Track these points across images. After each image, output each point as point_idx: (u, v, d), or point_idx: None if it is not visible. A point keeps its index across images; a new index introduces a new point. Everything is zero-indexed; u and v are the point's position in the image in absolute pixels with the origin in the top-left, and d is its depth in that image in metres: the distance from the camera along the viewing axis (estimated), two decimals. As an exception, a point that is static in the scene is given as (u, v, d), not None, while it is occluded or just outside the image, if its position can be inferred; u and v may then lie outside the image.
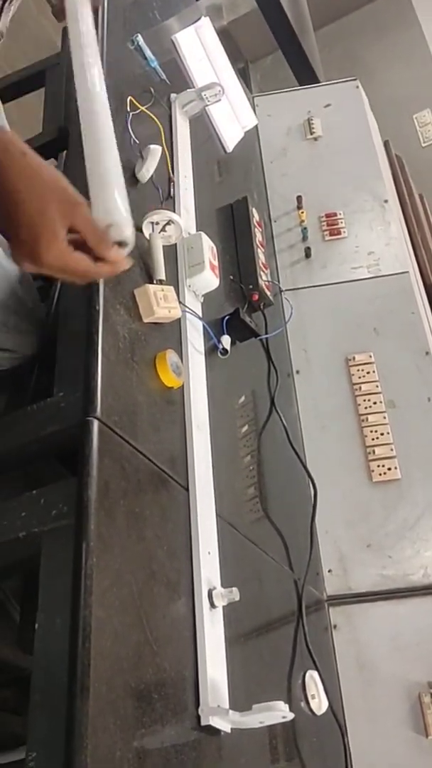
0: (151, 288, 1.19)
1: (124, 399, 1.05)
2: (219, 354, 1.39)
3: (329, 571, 1.57)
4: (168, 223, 1.29)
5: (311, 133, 2.21)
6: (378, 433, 1.69)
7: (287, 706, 0.94)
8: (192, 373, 1.26)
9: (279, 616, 1.38)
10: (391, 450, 1.67)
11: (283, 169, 2.18)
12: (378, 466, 1.65)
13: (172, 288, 1.23)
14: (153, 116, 1.47)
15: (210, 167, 1.84)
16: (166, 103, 1.64)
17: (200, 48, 1.94)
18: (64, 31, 1.72)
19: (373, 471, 1.65)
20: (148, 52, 1.59)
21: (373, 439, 1.69)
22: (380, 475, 1.64)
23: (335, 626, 1.53)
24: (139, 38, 1.56)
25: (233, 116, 2.00)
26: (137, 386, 1.10)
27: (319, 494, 1.59)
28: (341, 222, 2.02)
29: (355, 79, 2.33)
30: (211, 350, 1.40)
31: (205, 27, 2.01)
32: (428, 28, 4.23)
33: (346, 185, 2.10)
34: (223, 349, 1.39)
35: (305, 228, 2.01)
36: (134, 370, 1.11)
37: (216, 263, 1.40)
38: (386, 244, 1.98)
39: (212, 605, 1.05)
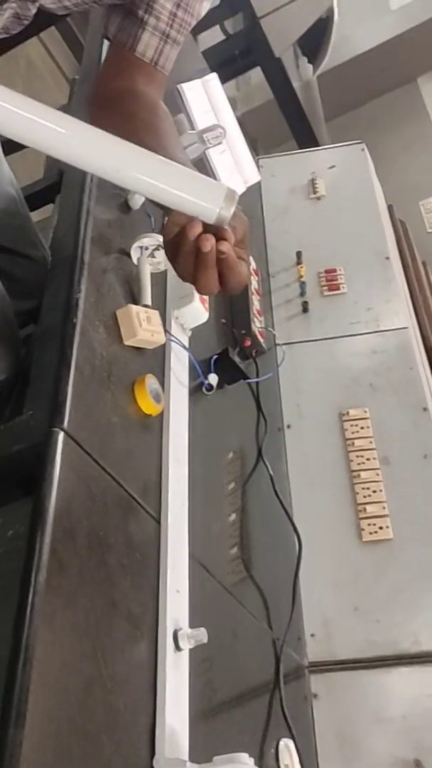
0: (134, 309, 1.16)
1: (95, 417, 1.00)
2: (204, 390, 1.35)
3: (312, 635, 1.47)
4: (157, 248, 1.27)
5: (314, 193, 2.23)
6: (370, 491, 1.63)
7: (252, 759, 0.85)
8: (173, 403, 1.21)
9: (254, 674, 1.29)
10: (384, 508, 1.60)
11: (284, 227, 2.19)
12: (369, 524, 1.58)
13: (157, 312, 1.20)
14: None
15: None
16: (166, 145, 1.65)
17: (206, 100, 1.98)
18: (74, 81, 1.77)
19: (363, 530, 1.58)
20: (152, 94, 1.61)
21: (365, 497, 1.62)
22: (371, 534, 1.57)
23: (315, 695, 1.43)
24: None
25: (235, 169, 2.02)
26: (111, 407, 1.05)
27: (305, 552, 1.52)
28: (341, 278, 2.01)
29: (360, 142, 2.37)
30: (197, 388, 1.36)
31: (213, 82, 2.05)
32: None
33: (347, 242, 2.10)
34: (209, 384, 1.35)
35: (303, 283, 2.00)
36: (110, 390, 1.06)
37: (206, 297, 1.38)
38: (386, 301, 1.96)
39: (177, 647, 0.97)
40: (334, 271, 2.03)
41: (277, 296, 2.03)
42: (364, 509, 1.60)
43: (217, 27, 3.39)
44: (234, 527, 1.36)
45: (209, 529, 1.25)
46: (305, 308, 1.97)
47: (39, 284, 1.22)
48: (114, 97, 1.04)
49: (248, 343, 1.64)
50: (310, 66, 3.80)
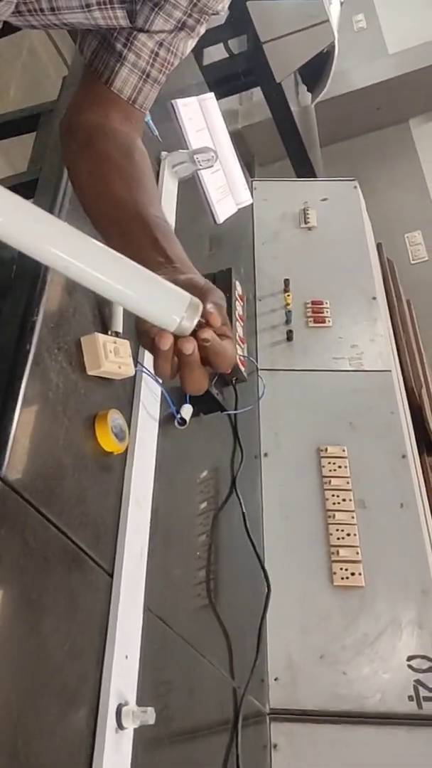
0: (101, 338, 0.98)
1: (43, 458, 0.83)
2: (176, 424, 1.17)
3: (276, 679, 1.30)
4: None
5: (306, 222, 2.07)
6: (344, 533, 1.46)
7: None
8: (140, 440, 1.04)
9: (209, 731, 1.11)
10: (357, 554, 1.43)
11: (273, 252, 2.03)
12: (341, 569, 1.41)
13: (127, 342, 1.03)
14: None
15: (202, 239, 1.69)
16: (155, 160, 1.48)
17: (201, 118, 1.82)
18: (64, 81, 1.60)
19: (335, 573, 1.41)
20: (143, 108, 1.44)
21: (338, 539, 1.45)
22: (342, 579, 1.40)
23: (275, 746, 1.25)
24: (135, 92, 1.41)
25: (228, 190, 1.85)
26: (65, 445, 0.88)
27: (273, 592, 1.35)
28: (327, 311, 1.85)
29: (353, 180, 2.22)
30: (168, 419, 1.18)
31: (210, 101, 1.89)
32: (425, 159, 4.37)
33: (335, 276, 1.94)
34: (181, 418, 1.17)
35: (289, 311, 1.84)
36: (64, 426, 0.89)
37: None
38: (371, 340, 1.80)
39: (120, 726, 0.80)
40: (321, 303, 1.86)
41: (263, 321, 1.86)
42: (337, 552, 1.43)
43: (221, 45, 3.25)
44: (201, 568, 1.19)
45: (172, 573, 1.08)
46: (290, 337, 1.80)
47: (4, 288, 1.04)
48: (87, 133, 0.88)
49: (229, 371, 1.46)
50: (309, 94, 3.69)
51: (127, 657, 0.85)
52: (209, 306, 0.66)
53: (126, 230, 0.79)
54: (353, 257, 1.98)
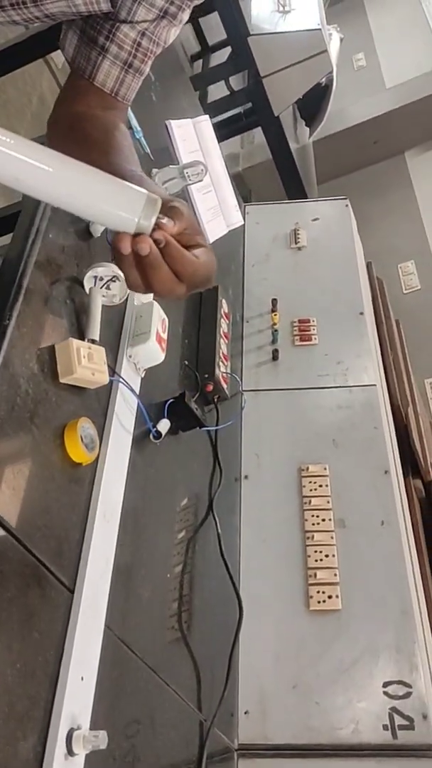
0: (75, 343, 0.94)
1: (6, 465, 0.78)
2: (151, 437, 1.12)
3: (246, 712, 1.23)
4: (113, 280, 1.05)
5: (296, 242, 2.03)
6: (322, 555, 1.40)
7: None
8: (111, 452, 0.98)
9: (173, 761, 1.04)
10: (335, 575, 1.37)
11: (263, 273, 1.99)
12: (318, 592, 1.35)
13: (102, 350, 0.98)
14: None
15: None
16: (146, 176, 1.45)
17: (195, 140, 1.79)
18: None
19: (311, 597, 1.35)
20: (134, 122, 1.41)
21: (316, 561, 1.39)
22: (319, 603, 1.34)
23: (243, 783, 1.18)
24: (127, 106, 1.38)
25: (219, 212, 1.82)
26: (31, 454, 0.83)
27: (248, 619, 1.29)
28: (313, 329, 1.80)
29: (345, 198, 2.19)
30: (144, 433, 1.13)
31: (204, 123, 1.86)
32: (420, 192, 4.39)
33: (323, 294, 1.90)
34: (156, 432, 1.12)
35: (276, 330, 1.79)
36: (31, 433, 0.84)
37: (164, 337, 1.16)
38: (357, 356, 1.75)
39: (70, 752, 0.73)
40: (308, 321, 1.82)
41: (249, 342, 1.81)
42: (315, 574, 1.37)
43: (222, 83, 3.26)
44: (171, 591, 1.12)
45: (139, 594, 1.02)
46: (275, 356, 1.75)
47: None
48: (69, 121, 0.86)
49: (210, 388, 1.42)
50: (307, 130, 3.69)
51: (83, 678, 0.79)
52: (172, 204, 0.63)
53: None
54: (342, 274, 1.94)
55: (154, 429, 1.11)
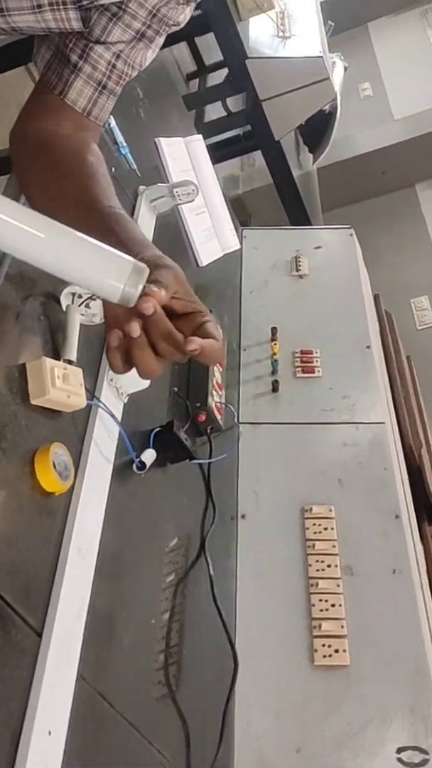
0: (49, 363, 0.92)
1: (-35, 491, 0.75)
2: (134, 468, 1.09)
3: (242, 781, 1.17)
4: (92, 298, 1.04)
5: (297, 270, 2.04)
6: (328, 604, 1.35)
7: None
8: (88, 480, 0.96)
9: None
10: (342, 627, 1.32)
11: (261, 300, 1.98)
12: (323, 645, 1.30)
13: (79, 371, 0.97)
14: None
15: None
16: (132, 195, 1.46)
17: (187, 159, 1.80)
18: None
19: (316, 651, 1.30)
20: (120, 137, 1.42)
21: (321, 610, 1.34)
22: (324, 657, 1.28)
23: None
24: (112, 120, 1.40)
25: (213, 234, 1.82)
26: (-5, 480, 0.80)
27: (245, 674, 1.24)
28: (317, 360, 1.79)
29: (349, 227, 2.20)
30: (127, 465, 1.10)
31: (197, 143, 1.88)
32: None
33: (327, 325, 1.89)
34: (140, 462, 1.09)
35: (276, 361, 1.77)
36: (-4, 458, 0.81)
37: (150, 360, 1.14)
38: (364, 391, 1.73)
39: None
40: (311, 352, 1.80)
41: (246, 371, 1.79)
42: (320, 626, 1.32)
43: (219, 103, 3.32)
44: (156, 638, 1.08)
45: (119, 640, 0.98)
46: (275, 388, 1.73)
47: None
48: (38, 141, 0.86)
49: (202, 418, 1.40)
50: (311, 156, 3.75)
51: (50, 733, 0.75)
52: (160, 272, 0.63)
53: (80, 227, 0.76)
54: (347, 305, 1.94)
55: (138, 459, 1.09)
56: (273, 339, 1.83)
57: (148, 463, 1.11)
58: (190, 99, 3.00)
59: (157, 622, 1.09)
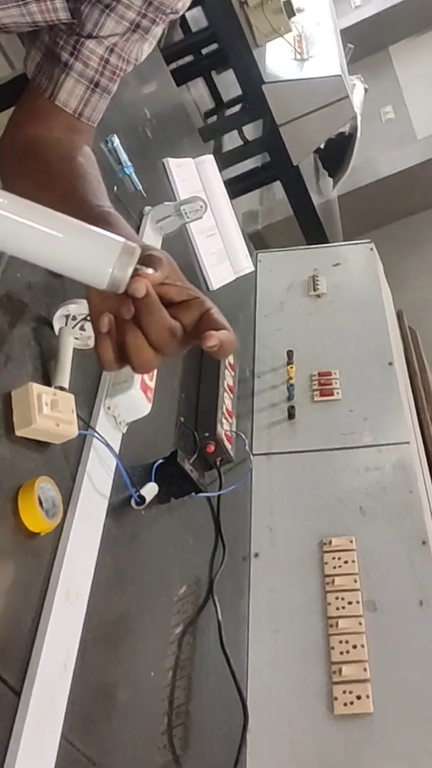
0: (36, 388, 0.85)
1: None
2: (133, 503, 1.02)
3: None
4: (87, 319, 0.98)
5: (314, 290, 1.96)
6: (349, 645, 1.25)
7: None
8: (79, 519, 0.88)
9: None
10: (365, 671, 1.22)
11: (277, 323, 1.91)
12: (344, 692, 1.20)
13: (71, 397, 0.90)
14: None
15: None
16: (137, 215, 1.40)
17: (197, 181, 1.75)
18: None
19: (336, 698, 1.20)
20: (124, 157, 1.37)
21: (341, 653, 1.25)
22: (345, 705, 1.19)
23: None
24: (115, 138, 1.35)
25: (225, 256, 1.76)
26: (-30, 519, 0.73)
27: (257, 725, 1.15)
28: (336, 382, 1.70)
29: (369, 242, 2.13)
30: (124, 502, 1.03)
31: (208, 164, 1.83)
32: None
33: (346, 344, 1.81)
34: (139, 496, 1.02)
35: (292, 386, 1.69)
36: (-27, 495, 0.74)
37: (151, 385, 1.07)
38: (386, 410, 1.64)
39: None
40: (329, 374, 1.72)
41: (261, 399, 1.72)
42: (340, 671, 1.22)
43: (235, 132, 3.30)
44: (155, 690, 0.99)
45: (113, 695, 0.89)
46: (291, 414, 1.65)
47: None
48: (26, 146, 0.82)
49: (211, 449, 1.32)
50: (331, 180, 3.70)
51: (28, 806, 0.67)
52: (151, 255, 0.58)
53: None
54: (367, 321, 1.85)
55: (137, 493, 1.01)
56: (289, 362, 1.75)
57: (149, 498, 1.03)
58: (205, 130, 2.97)
59: (161, 679, 1.00)
